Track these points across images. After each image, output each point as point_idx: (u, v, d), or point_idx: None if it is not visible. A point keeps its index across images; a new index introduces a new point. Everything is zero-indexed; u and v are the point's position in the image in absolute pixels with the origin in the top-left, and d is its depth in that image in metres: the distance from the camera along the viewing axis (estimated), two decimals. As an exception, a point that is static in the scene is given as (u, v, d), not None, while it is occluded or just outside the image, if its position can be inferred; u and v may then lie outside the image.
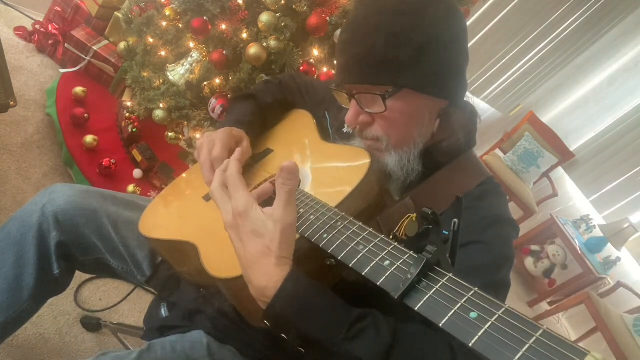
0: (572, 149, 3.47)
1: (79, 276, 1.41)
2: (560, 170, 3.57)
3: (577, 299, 2.82)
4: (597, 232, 3.32)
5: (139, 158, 1.78)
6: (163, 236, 0.79)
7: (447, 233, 0.48)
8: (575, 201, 3.70)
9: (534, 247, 3.35)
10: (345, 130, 0.83)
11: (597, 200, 3.59)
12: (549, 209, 3.48)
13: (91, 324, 1.33)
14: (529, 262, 3.31)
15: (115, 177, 1.72)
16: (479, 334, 0.39)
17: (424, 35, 0.66)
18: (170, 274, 0.90)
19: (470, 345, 0.38)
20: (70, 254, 0.89)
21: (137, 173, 1.77)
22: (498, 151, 3.54)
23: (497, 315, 0.39)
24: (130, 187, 1.70)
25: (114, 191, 0.96)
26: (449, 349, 0.56)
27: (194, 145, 1.49)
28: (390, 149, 0.73)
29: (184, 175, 0.99)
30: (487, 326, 0.39)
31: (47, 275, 0.87)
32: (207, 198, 0.84)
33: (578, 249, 2.97)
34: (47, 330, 1.25)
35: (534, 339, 0.37)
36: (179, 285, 0.88)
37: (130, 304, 1.48)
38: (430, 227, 0.47)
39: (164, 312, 0.88)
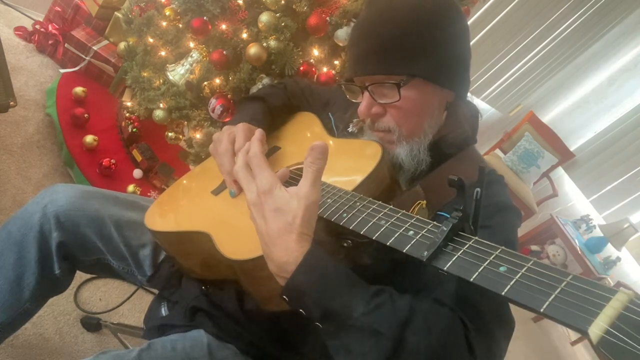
0: (572, 149, 3.47)
1: (79, 276, 1.41)
2: (560, 170, 3.57)
3: (577, 299, 2.81)
4: (597, 232, 3.32)
5: (139, 158, 1.78)
6: (171, 228, 0.79)
7: (447, 215, 0.49)
8: (575, 201, 3.70)
9: (534, 247, 3.35)
10: (350, 130, 0.84)
11: (597, 200, 3.59)
12: (549, 209, 3.48)
13: (91, 324, 1.33)
14: (529, 262, 3.30)
15: (115, 177, 1.72)
16: (511, 284, 0.40)
17: (435, 28, 0.70)
18: (172, 272, 0.90)
19: (503, 294, 0.40)
20: (71, 254, 0.89)
21: (137, 173, 1.77)
22: (498, 151, 3.54)
23: (526, 267, 0.41)
24: (130, 187, 1.70)
25: (116, 191, 0.97)
26: (461, 323, 0.56)
27: (194, 145, 1.50)
28: (401, 139, 0.76)
29: (186, 176, 1.00)
30: (517, 276, 0.41)
31: (48, 275, 0.87)
32: (216, 192, 0.84)
33: (578, 249, 2.97)
34: (47, 330, 1.25)
35: (564, 282, 0.38)
36: (180, 284, 0.89)
37: (130, 304, 1.48)
38: (442, 213, 0.48)
39: (164, 311, 0.88)
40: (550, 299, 0.37)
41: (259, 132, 0.73)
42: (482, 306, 0.57)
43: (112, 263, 0.92)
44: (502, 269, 0.42)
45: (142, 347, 0.72)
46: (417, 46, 0.70)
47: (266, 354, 0.78)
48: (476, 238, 0.47)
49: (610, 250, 3.17)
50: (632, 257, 3.45)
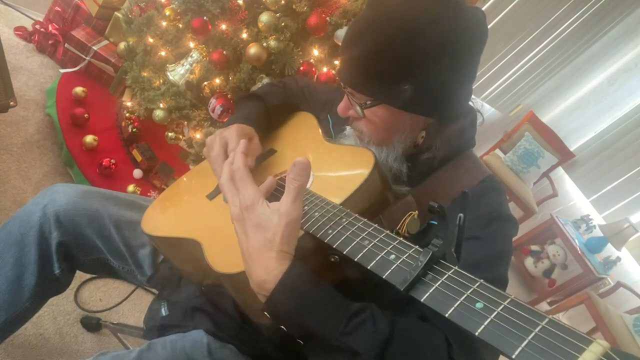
0: (572, 149, 3.47)
1: (79, 276, 1.41)
2: (560, 170, 3.56)
3: (577, 299, 2.82)
4: (597, 232, 3.31)
5: (139, 158, 1.78)
6: (166, 233, 0.79)
7: (435, 223, 0.48)
8: (575, 201, 3.70)
9: (534, 247, 3.35)
10: (347, 132, 0.84)
11: (597, 200, 3.59)
12: (549, 209, 3.48)
13: (91, 324, 1.33)
14: (529, 262, 3.31)
15: (115, 177, 1.72)
16: (485, 324, 0.39)
17: (414, 57, 0.66)
18: (171, 273, 0.90)
19: (477, 334, 0.39)
20: (71, 254, 0.89)
21: (137, 173, 1.77)
22: (498, 151, 3.53)
23: (502, 305, 0.40)
24: (130, 187, 1.70)
25: (116, 191, 0.97)
26: (445, 342, 0.56)
27: (194, 145, 1.49)
28: (371, 144, 0.78)
29: (185, 176, 1.00)
30: (493, 316, 0.39)
31: (47, 275, 0.87)
32: (211, 197, 0.84)
33: (578, 249, 2.96)
34: (47, 330, 1.25)
35: (539, 327, 0.37)
36: (179, 284, 0.89)
37: (130, 304, 1.48)
38: (434, 223, 0.48)
39: (164, 311, 0.88)
40: (523, 345, 0.36)
41: (242, 144, 0.71)
42: None
43: (111, 263, 0.92)
44: (478, 305, 0.41)
45: (142, 348, 0.72)
46: (391, 73, 0.67)
47: (266, 354, 0.78)
48: (456, 268, 0.45)
49: (610, 250, 3.16)
50: (632, 257, 3.44)
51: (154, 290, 1.41)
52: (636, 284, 3.34)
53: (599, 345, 0.33)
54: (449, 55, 0.66)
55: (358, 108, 0.74)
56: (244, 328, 0.77)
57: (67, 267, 0.89)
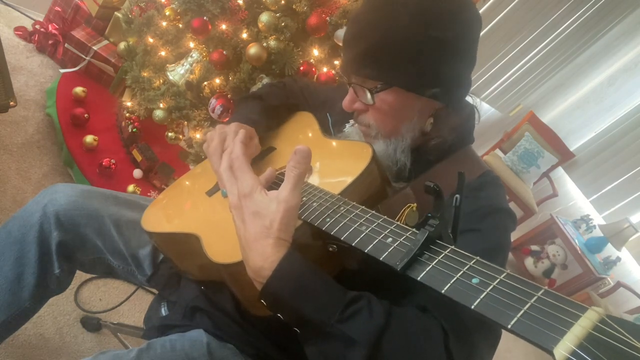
0: (572, 149, 3.47)
1: (79, 276, 1.41)
2: (560, 170, 3.56)
3: (577, 299, 2.81)
4: (597, 232, 3.32)
5: (139, 158, 1.78)
6: (165, 230, 0.80)
7: (430, 216, 0.48)
8: (575, 201, 3.70)
9: (534, 247, 3.35)
10: (346, 130, 0.84)
11: (597, 200, 3.59)
12: (549, 209, 3.48)
13: (91, 324, 1.33)
14: (529, 262, 3.31)
15: (115, 177, 1.72)
16: (481, 297, 0.39)
17: (421, 39, 0.68)
18: (171, 273, 0.90)
19: (473, 307, 0.39)
20: (71, 253, 0.89)
21: (137, 173, 1.77)
22: (498, 151, 3.54)
23: (498, 279, 0.40)
24: (130, 187, 1.70)
25: (116, 191, 0.97)
26: (441, 332, 0.56)
27: (194, 145, 1.50)
28: (379, 137, 0.78)
29: (185, 176, 1.00)
30: (488, 289, 0.39)
31: (47, 275, 0.87)
32: (210, 193, 0.84)
33: (578, 249, 2.97)
34: (47, 330, 1.25)
35: (535, 297, 0.37)
36: (179, 284, 0.89)
37: (130, 304, 1.48)
38: (430, 215, 0.48)
39: (164, 311, 0.88)
40: (519, 315, 0.36)
41: (241, 133, 0.72)
42: (464, 312, 0.55)
43: (111, 262, 0.92)
44: (474, 280, 0.41)
45: (142, 348, 0.72)
46: (400, 55, 0.69)
47: (266, 353, 0.78)
48: (452, 247, 0.45)
49: (610, 250, 3.16)
50: (632, 257, 3.44)
51: (154, 290, 1.41)
52: (636, 284, 3.34)
53: (594, 312, 0.33)
54: (459, 40, 0.69)
55: (368, 95, 0.73)
56: (244, 328, 0.77)
57: (67, 267, 0.89)
